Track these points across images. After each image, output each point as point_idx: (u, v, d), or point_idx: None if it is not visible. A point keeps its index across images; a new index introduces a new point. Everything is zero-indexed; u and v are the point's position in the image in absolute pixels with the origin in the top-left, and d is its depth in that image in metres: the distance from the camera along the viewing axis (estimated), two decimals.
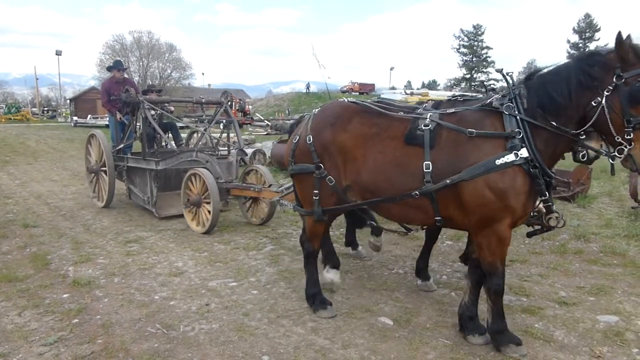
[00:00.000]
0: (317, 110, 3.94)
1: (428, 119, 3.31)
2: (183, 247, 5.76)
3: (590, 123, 2.95)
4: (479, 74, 76.73)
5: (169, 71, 53.33)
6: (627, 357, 3.34)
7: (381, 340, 3.50)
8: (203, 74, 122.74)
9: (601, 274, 4.89)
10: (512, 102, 3.14)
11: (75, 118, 40.98)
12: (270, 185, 6.40)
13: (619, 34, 2.83)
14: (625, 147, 2.84)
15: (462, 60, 77.00)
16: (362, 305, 4.10)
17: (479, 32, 75.82)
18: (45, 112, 62.38)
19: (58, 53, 57.76)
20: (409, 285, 4.59)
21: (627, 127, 2.82)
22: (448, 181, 3.12)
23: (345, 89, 66.28)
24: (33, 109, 62.10)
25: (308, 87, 61.03)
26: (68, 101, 58.92)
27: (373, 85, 69.25)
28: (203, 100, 8.37)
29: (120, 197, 7.91)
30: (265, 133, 26.28)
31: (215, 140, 8.28)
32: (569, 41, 69.14)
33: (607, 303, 4.24)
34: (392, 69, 72.47)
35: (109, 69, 9.64)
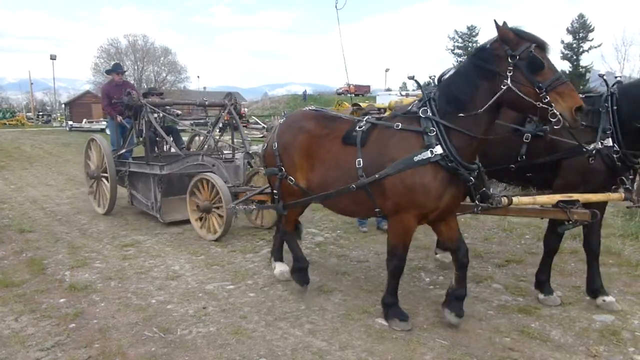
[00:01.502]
0: (282, 119, 4.35)
1: (364, 121, 3.79)
2: (179, 250, 5.76)
3: (493, 100, 3.20)
4: None
5: (164, 75, 53.36)
6: (624, 355, 3.36)
7: (378, 342, 3.51)
8: (198, 77, 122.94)
9: None
10: (425, 106, 3.46)
11: (70, 122, 40.78)
12: None
13: (495, 22, 3.17)
14: (550, 109, 3.02)
15: (457, 61, 77.11)
16: (359, 307, 4.10)
17: (473, 33, 76.03)
18: (40, 116, 62.11)
19: (52, 57, 57.57)
20: (406, 287, 4.59)
21: (541, 93, 3.04)
22: (377, 176, 3.47)
23: (340, 90, 66.27)
24: (28, 113, 61.82)
25: (305, 95, 60.94)
26: (63, 105, 58.70)
27: (369, 86, 69.28)
28: (206, 103, 8.16)
29: (118, 201, 7.81)
30: (261, 136, 26.28)
31: (220, 144, 8.06)
32: (562, 41, 69.23)
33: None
34: (387, 70, 72.51)
35: (108, 72, 9.48)
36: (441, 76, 3.55)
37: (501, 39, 3.15)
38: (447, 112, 3.36)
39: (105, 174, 7.48)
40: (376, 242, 6.11)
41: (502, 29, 3.15)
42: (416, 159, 3.34)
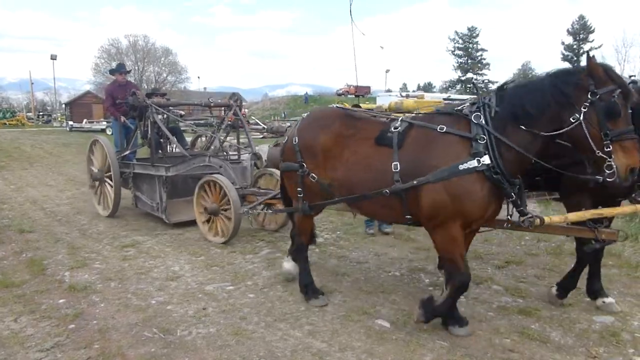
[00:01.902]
0: (305, 114, 4.20)
1: (399, 121, 3.59)
2: (179, 251, 5.75)
3: (562, 131, 3.09)
4: (474, 76, 76.98)
5: (165, 75, 53.44)
6: (623, 357, 3.36)
7: (378, 343, 3.51)
8: (199, 77, 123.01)
9: None
10: (480, 111, 3.30)
11: (70, 122, 40.84)
12: None
13: (588, 54, 3.05)
14: (607, 160, 2.94)
15: (457, 63, 77.22)
16: (359, 308, 4.10)
17: (474, 34, 76.07)
18: (40, 116, 62.16)
19: (53, 57, 57.59)
20: (406, 288, 4.59)
21: (605, 140, 2.94)
22: (415, 182, 3.31)
23: (341, 91, 66.27)
24: (28, 113, 61.85)
25: (306, 98, 60.88)
26: (63, 105, 58.76)
27: (369, 87, 69.24)
28: (212, 103, 8.03)
29: (122, 202, 7.78)
30: (262, 136, 26.27)
31: (226, 144, 7.91)
32: (563, 43, 69.37)
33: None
34: (387, 71, 72.41)
35: (112, 72, 9.34)
36: (504, 85, 3.41)
37: (589, 73, 3.00)
38: (504, 120, 3.22)
39: (109, 176, 7.38)
40: (376, 244, 6.11)
41: (592, 62, 2.99)
42: (462, 167, 3.19)
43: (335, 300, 4.29)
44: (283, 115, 45.58)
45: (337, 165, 3.79)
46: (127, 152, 7.77)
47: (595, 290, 4.20)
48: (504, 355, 3.34)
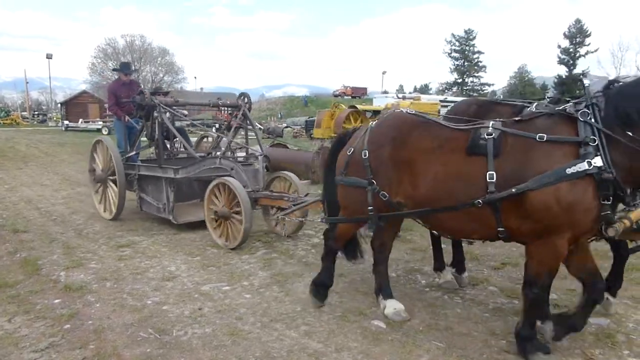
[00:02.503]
0: (374, 123, 3.85)
1: (490, 128, 3.21)
2: (175, 251, 5.74)
3: None
4: (471, 79, 77.26)
5: (161, 75, 53.38)
6: (619, 358, 3.37)
7: (374, 344, 3.50)
8: (195, 77, 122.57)
9: None
10: (588, 109, 3.02)
11: (66, 122, 40.73)
12: (307, 194, 5.91)
13: None
14: None
15: (454, 65, 77.47)
16: (355, 309, 4.10)
17: (470, 37, 76.34)
18: (35, 116, 61.95)
19: (48, 56, 57.44)
20: (402, 289, 4.59)
21: None
22: (514, 190, 2.98)
23: (337, 92, 66.40)
24: (23, 112, 61.64)
25: (306, 101, 60.88)
26: (59, 105, 58.55)
27: (365, 89, 69.45)
28: (220, 103, 7.75)
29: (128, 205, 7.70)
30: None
31: (235, 146, 7.59)
32: (559, 46, 69.61)
33: (599, 306, 4.25)
34: (384, 72, 72.87)
35: (116, 70, 9.15)
36: (612, 82, 3.15)
37: None
38: (613, 122, 2.94)
39: (113, 178, 7.18)
40: None
41: None
42: (569, 170, 2.87)
43: (331, 300, 4.28)
44: (280, 116, 45.61)
45: (418, 183, 3.42)
46: (132, 153, 7.53)
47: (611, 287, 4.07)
48: (500, 357, 3.34)
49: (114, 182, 7.17)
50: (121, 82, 8.43)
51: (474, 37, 76.28)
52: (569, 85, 66.29)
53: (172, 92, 50.90)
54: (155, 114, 6.71)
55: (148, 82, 52.49)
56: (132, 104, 7.13)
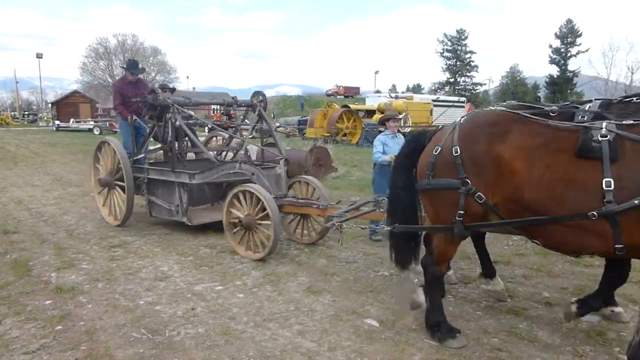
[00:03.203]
0: (463, 119, 3.54)
1: (604, 129, 2.89)
2: (168, 251, 5.72)
3: None
4: (463, 78, 77.55)
5: (153, 75, 53.03)
6: (609, 355, 3.40)
7: (367, 342, 3.51)
8: (188, 77, 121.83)
9: (584, 275, 4.96)
10: None
11: (57, 122, 40.41)
12: (339, 202, 5.52)
13: None
14: None
15: (446, 64, 77.72)
16: (348, 308, 4.11)
17: (462, 37, 76.59)
18: (25, 116, 61.42)
19: (39, 56, 56.92)
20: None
21: None
22: (636, 202, 2.68)
23: (330, 92, 66.40)
24: (13, 112, 61.10)
25: (302, 104, 60.76)
26: (50, 105, 58.09)
27: (358, 88, 69.50)
28: (235, 102, 7.19)
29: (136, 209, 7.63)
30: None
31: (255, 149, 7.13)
32: (551, 46, 70.02)
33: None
34: (377, 72, 72.76)
35: (124, 68, 8.37)
36: None
37: None
38: None
39: (121, 182, 6.76)
40: (365, 244, 6.12)
41: None
42: None
43: (324, 300, 4.29)
44: (272, 116, 45.56)
45: (521, 185, 3.06)
46: (142, 156, 7.15)
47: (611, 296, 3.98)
48: (492, 354, 3.36)
49: (122, 186, 6.77)
50: (127, 80, 7.96)
51: (466, 37, 76.54)
52: (560, 85, 66.76)
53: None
54: (169, 115, 6.30)
55: None
56: (143, 103, 6.71)
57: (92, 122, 35.39)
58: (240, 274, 4.95)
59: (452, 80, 77.27)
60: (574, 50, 68.23)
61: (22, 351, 3.37)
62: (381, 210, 4.61)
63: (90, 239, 6.29)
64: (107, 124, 33.13)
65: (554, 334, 3.69)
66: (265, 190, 5.41)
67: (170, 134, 6.31)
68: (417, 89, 79.80)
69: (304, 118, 30.91)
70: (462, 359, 3.31)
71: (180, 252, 5.67)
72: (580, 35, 68.58)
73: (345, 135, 23.51)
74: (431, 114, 28.18)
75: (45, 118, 54.13)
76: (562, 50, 69.13)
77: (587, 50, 62.33)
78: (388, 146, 6.24)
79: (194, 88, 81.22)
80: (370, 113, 25.93)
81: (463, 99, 43.06)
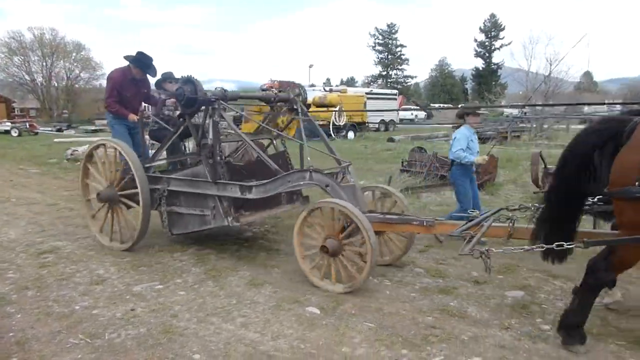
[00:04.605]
0: None
1: None
2: (104, 254, 5.52)
3: None
4: (395, 71, 79.68)
5: (77, 71, 50.23)
6: (532, 326, 3.71)
7: (310, 329, 3.62)
8: None
9: (509, 254, 5.28)
10: None
11: None
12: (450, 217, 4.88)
13: None
14: None
15: (378, 58, 79.48)
16: (290, 297, 4.20)
17: (393, 31, 78.60)
18: None
19: None
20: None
21: None
22: None
23: (265, 87, 65.87)
24: None
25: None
26: None
27: (292, 83, 69.41)
28: (275, 97, 5.95)
29: (33, 199, 7.22)
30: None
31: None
32: (476, 40, 73.48)
33: (514, 280, 4.67)
34: (311, 66, 72.96)
35: (129, 59, 6.55)
36: None
37: None
38: None
39: (130, 196, 5.50)
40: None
41: None
42: None
43: (266, 291, 4.35)
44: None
45: None
46: (158, 162, 5.94)
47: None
48: (427, 332, 3.58)
49: (132, 200, 5.50)
50: (129, 75, 6.52)
51: (397, 31, 78.65)
52: (486, 77, 70.22)
53: (91, 89, 48.28)
54: (210, 113, 5.16)
55: (62, 79, 49.30)
56: (176, 97, 5.31)
57: (8, 123, 32.98)
58: (180, 271, 4.90)
59: (384, 73, 79.17)
60: (497, 44, 72.00)
61: None
62: (512, 223, 3.96)
63: (15, 247, 5.95)
64: (27, 124, 30.97)
65: (482, 310, 3.97)
66: (352, 206, 4.36)
67: (211, 136, 5.11)
68: (350, 82, 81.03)
69: (238, 114, 30.54)
70: (399, 337, 3.49)
71: (116, 254, 5.50)
72: (503, 29, 72.43)
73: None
74: (365, 107, 28.77)
75: None
76: (487, 43, 72.71)
77: (509, 44, 65.95)
78: (473, 142, 5.80)
79: None
80: (305, 106, 26.02)
81: (395, 91, 44.29)
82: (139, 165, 5.35)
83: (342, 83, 75.71)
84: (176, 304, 4.10)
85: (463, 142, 5.68)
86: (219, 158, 5.10)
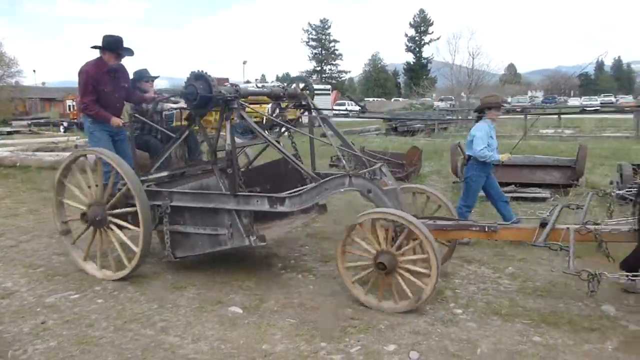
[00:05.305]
0: None
1: None
2: (12, 264, 5.18)
3: None
4: (329, 66, 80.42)
5: None
6: (446, 311, 3.90)
7: (231, 329, 3.61)
8: (34, 71, 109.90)
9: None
10: None
11: None
12: (517, 221, 4.50)
13: None
14: None
15: (312, 53, 79.90)
16: (212, 298, 4.16)
17: (326, 26, 79.29)
18: None
19: None
20: (260, 274, 4.74)
21: None
22: None
23: None
24: None
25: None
26: None
27: (227, 79, 68.36)
28: (284, 93, 5.26)
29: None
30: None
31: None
32: (406, 35, 75.51)
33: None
34: (245, 62, 72.46)
35: (99, 48, 5.53)
36: None
37: None
38: None
39: (118, 216, 4.68)
40: None
41: None
42: None
43: (189, 294, 4.28)
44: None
45: None
46: (160, 175, 5.01)
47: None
48: (346, 323, 3.67)
49: (127, 219, 4.68)
50: (104, 67, 5.49)
51: (330, 26, 79.39)
52: (417, 71, 72.38)
53: (5, 87, 44.99)
54: (229, 113, 4.53)
55: None
56: (186, 96, 4.48)
57: None
58: (100, 279, 4.71)
59: (318, 68, 79.71)
60: (427, 39, 74.36)
61: None
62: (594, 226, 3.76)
63: None
64: None
65: (399, 300, 4.11)
66: (409, 215, 3.90)
67: (228, 141, 4.44)
68: (286, 78, 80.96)
69: (170, 112, 29.71)
70: (319, 332, 3.56)
71: (28, 264, 5.18)
72: (432, 24, 74.93)
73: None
74: None
75: None
76: (417, 38, 74.90)
77: (438, 39, 68.36)
78: (493, 138, 5.48)
79: (43, 83, 73.42)
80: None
81: (328, 86, 44.75)
82: (135, 178, 4.49)
83: (277, 79, 75.44)
84: (93, 313, 3.94)
85: (484, 139, 5.36)
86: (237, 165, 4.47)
